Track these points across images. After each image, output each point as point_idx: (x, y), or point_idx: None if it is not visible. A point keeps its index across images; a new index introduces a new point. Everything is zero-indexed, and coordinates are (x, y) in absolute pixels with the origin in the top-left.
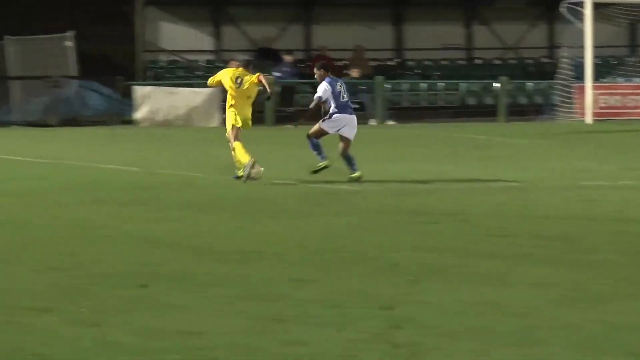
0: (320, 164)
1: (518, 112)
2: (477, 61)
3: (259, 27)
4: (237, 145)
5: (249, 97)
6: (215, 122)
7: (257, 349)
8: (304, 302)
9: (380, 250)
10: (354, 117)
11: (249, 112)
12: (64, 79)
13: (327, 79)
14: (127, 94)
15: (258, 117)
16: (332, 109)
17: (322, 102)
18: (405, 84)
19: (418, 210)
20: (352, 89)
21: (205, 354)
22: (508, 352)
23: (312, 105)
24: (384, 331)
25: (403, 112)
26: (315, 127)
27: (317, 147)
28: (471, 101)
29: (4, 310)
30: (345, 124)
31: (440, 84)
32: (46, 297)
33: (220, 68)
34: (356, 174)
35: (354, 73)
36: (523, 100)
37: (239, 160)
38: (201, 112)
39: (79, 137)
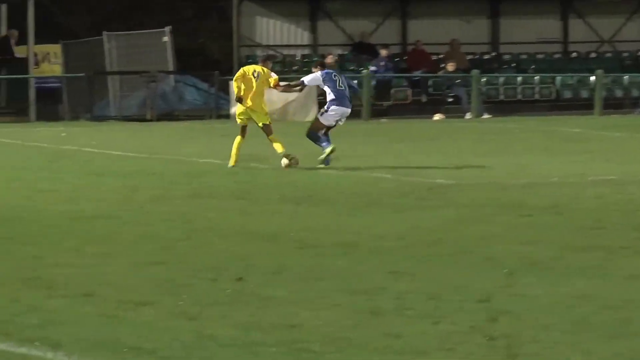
0: (327, 150)
1: (614, 105)
2: (573, 54)
3: (355, 22)
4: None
5: (260, 93)
6: (311, 116)
7: (354, 342)
8: (401, 294)
9: (477, 243)
10: (348, 111)
11: (260, 107)
12: (161, 73)
13: (323, 71)
14: (224, 89)
15: (354, 111)
16: (329, 99)
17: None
18: (501, 78)
19: (514, 204)
20: (448, 83)
21: (302, 346)
22: (604, 344)
23: (295, 87)
24: (481, 324)
25: (499, 106)
26: (314, 122)
27: (316, 139)
28: (567, 94)
29: (102, 304)
30: (342, 116)
31: (536, 78)
32: (144, 291)
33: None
34: (328, 149)
35: (450, 67)
36: (619, 93)
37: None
38: (297, 106)
39: (176, 131)
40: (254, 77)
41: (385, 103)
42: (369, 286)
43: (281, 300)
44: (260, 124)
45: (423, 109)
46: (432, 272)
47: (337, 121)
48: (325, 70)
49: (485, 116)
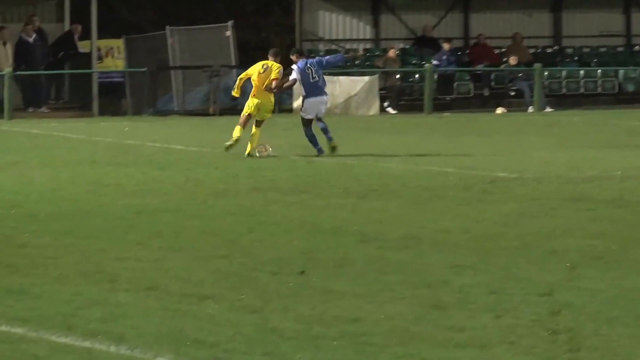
0: (317, 152)
1: None
2: (636, 48)
3: (418, 16)
4: (236, 129)
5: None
6: (374, 110)
7: (417, 335)
8: (463, 288)
9: (539, 237)
10: (323, 98)
11: (268, 101)
12: (223, 68)
13: (299, 62)
14: None
15: (417, 104)
16: (302, 95)
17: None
18: (563, 71)
19: (577, 197)
20: (511, 77)
21: (365, 339)
22: None
23: (287, 84)
24: (543, 317)
25: (561, 99)
26: (302, 120)
27: (310, 139)
28: (630, 88)
29: (165, 297)
30: (320, 104)
31: (599, 71)
32: (207, 284)
33: (379, 57)
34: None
35: (512, 60)
36: None
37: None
38: (360, 101)
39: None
40: (263, 71)
41: (448, 97)
42: (431, 279)
43: (344, 294)
44: (258, 117)
45: (485, 103)
46: (495, 265)
47: (317, 114)
48: (302, 62)
49: (548, 110)
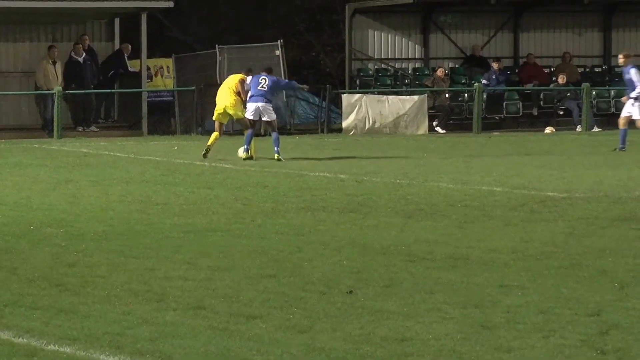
0: (241, 153)
1: None
2: None
3: (467, 35)
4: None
5: (229, 87)
6: (423, 130)
7: (465, 355)
8: (512, 308)
9: (588, 256)
10: (259, 104)
11: (228, 101)
12: None
13: (252, 77)
14: (336, 102)
15: (465, 124)
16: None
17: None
18: (612, 91)
19: (626, 217)
20: (559, 96)
21: None
22: None
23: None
24: (591, 337)
25: (609, 119)
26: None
27: (247, 138)
28: None
29: (213, 317)
30: (257, 109)
31: None
32: (255, 304)
33: (428, 75)
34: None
35: (561, 80)
36: None
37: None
38: (409, 120)
39: (288, 145)
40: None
41: (497, 116)
42: (479, 299)
43: (392, 314)
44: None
45: (534, 122)
46: (543, 285)
47: (255, 115)
48: (254, 76)
49: (595, 129)
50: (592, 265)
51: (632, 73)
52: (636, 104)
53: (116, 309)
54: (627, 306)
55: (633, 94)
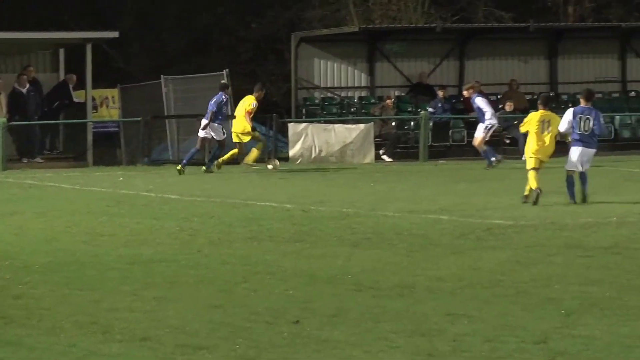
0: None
1: None
2: (632, 93)
3: (413, 63)
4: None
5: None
6: (369, 158)
7: None
8: (458, 336)
9: (535, 284)
10: (214, 125)
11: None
12: None
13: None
14: (282, 131)
15: (412, 152)
16: None
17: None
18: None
19: (573, 244)
20: (506, 124)
21: None
22: None
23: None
24: None
25: (557, 146)
26: None
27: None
28: (626, 134)
29: (159, 348)
30: (214, 130)
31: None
32: (201, 335)
33: (374, 104)
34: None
35: (508, 107)
36: None
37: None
38: (355, 149)
39: (233, 175)
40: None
41: (443, 144)
42: (426, 328)
43: (339, 343)
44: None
45: None
46: (490, 313)
47: (206, 134)
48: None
49: None
50: (539, 293)
51: (479, 101)
52: (488, 126)
53: (62, 341)
54: (573, 333)
55: (488, 118)
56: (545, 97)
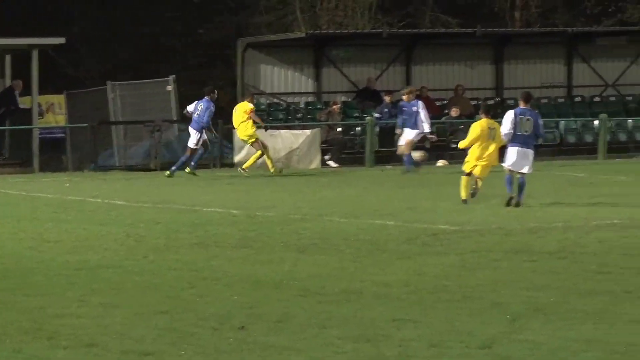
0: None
1: (618, 149)
2: (577, 99)
3: (360, 69)
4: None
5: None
6: (315, 164)
7: None
8: (404, 342)
9: (481, 289)
10: (192, 130)
11: (242, 132)
12: (165, 123)
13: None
14: (228, 137)
15: (358, 158)
16: None
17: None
18: None
19: (519, 249)
20: (451, 129)
21: None
22: None
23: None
24: None
25: (502, 150)
26: None
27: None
28: (571, 139)
29: (105, 354)
30: (191, 135)
31: (540, 122)
32: (147, 341)
33: (320, 109)
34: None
35: (454, 112)
36: (623, 137)
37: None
38: (302, 154)
39: (180, 180)
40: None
41: (389, 149)
42: (372, 333)
43: (284, 349)
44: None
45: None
46: (436, 318)
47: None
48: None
49: None
50: (485, 297)
51: (421, 106)
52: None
53: (6, 347)
54: (519, 338)
55: (427, 130)
56: (487, 106)
